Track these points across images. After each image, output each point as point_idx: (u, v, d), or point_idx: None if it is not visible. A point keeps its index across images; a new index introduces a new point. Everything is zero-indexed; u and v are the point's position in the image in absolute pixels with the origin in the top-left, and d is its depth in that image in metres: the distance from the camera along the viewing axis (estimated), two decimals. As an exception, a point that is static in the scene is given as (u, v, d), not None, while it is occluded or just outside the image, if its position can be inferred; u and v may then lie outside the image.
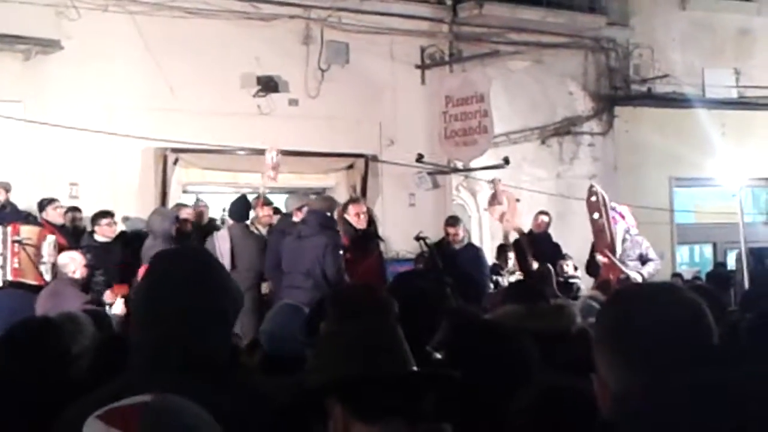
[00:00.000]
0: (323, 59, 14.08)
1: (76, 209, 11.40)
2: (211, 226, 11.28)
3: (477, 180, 15.54)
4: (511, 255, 12.62)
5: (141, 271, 9.11)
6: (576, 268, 12.52)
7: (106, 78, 12.42)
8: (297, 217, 10.12)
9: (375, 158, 14.44)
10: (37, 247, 9.83)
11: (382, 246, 10.66)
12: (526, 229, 13.15)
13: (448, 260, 10.68)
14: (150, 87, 12.75)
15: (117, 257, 9.90)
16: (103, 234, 10.32)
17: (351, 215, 10.06)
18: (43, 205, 10.84)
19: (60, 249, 9.82)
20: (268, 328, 4.86)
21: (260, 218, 10.62)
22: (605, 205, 12.17)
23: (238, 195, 11.23)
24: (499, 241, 13.65)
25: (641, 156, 16.92)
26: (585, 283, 12.60)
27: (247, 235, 10.24)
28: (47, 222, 10.46)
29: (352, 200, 10.96)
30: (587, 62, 17.01)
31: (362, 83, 14.35)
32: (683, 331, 2.16)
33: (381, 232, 11.36)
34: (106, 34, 12.40)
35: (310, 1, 13.92)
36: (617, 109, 17.17)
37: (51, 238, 9.95)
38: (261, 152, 12.02)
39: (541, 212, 13.47)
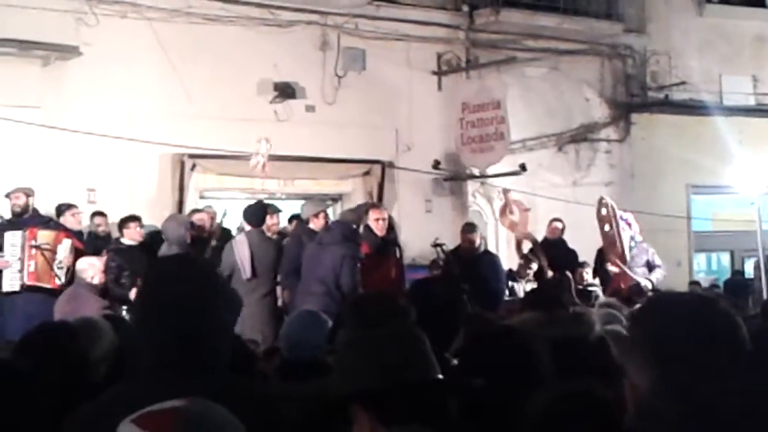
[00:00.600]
0: (340, 66, 14.11)
1: (101, 214, 11.45)
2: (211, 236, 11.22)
3: (493, 187, 15.52)
4: (533, 266, 12.56)
5: None
6: (594, 275, 12.52)
7: (124, 84, 12.48)
8: (314, 224, 10.14)
9: (391, 164, 14.45)
10: (54, 251, 9.90)
11: (399, 253, 10.64)
12: (540, 236, 13.16)
13: (465, 267, 10.67)
14: (168, 93, 12.80)
15: (143, 260, 9.95)
16: (131, 237, 10.42)
17: (371, 220, 10.08)
18: (61, 210, 10.90)
19: (77, 253, 9.87)
20: (288, 334, 4.86)
21: (269, 227, 10.66)
22: (615, 216, 12.33)
23: (255, 201, 11.25)
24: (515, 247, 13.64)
25: (658, 163, 16.86)
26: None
27: (265, 240, 10.26)
28: (65, 228, 10.51)
29: (373, 206, 10.99)
30: (604, 69, 16.98)
31: (379, 90, 14.37)
32: (718, 342, 2.17)
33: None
34: (124, 41, 12.47)
35: (327, 8, 13.96)
36: (634, 116, 17.12)
37: (67, 242, 10.01)
38: (278, 158, 12.06)
39: (555, 219, 13.49)
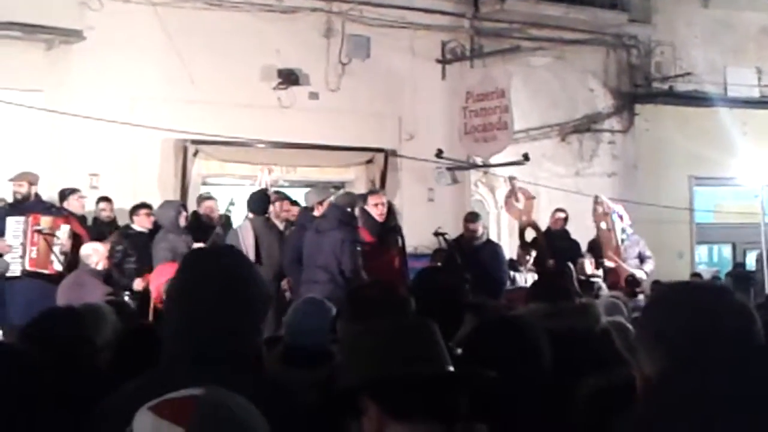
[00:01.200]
0: (344, 53, 14.07)
1: (107, 199, 11.43)
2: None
3: (496, 176, 15.50)
4: (533, 253, 12.60)
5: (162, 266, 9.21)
6: (598, 267, 12.55)
7: (127, 69, 12.45)
8: (318, 212, 10.12)
9: (394, 153, 14.43)
10: (53, 236, 9.89)
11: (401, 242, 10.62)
12: (542, 226, 13.16)
13: (467, 256, 10.67)
14: (171, 78, 12.76)
15: (148, 247, 9.95)
16: (141, 224, 10.39)
17: (370, 206, 10.04)
18: (65, 194, 10.87)
19: (76, 239, 9.86)
20: (291, 322, 4.85)
21: (278, 213, 10.61)
22: (609, 213, 12.55)
23: (258, 188, 11.23)
24: (517, 237, 13.63)
25: (661, 154, 16.83)
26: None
27: (269, 228, 10.24)
28: (69, 212, 10.50)
29: (372, 191, 10.96)
30: (608, 59, 16.93)
31: (383, 77, 14.34)
32: (732, 333, 2.16)
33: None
34: (128, 25, 12.42)
35: (331, -5, 13.93)
36: (638, 107, 17.09)
37: (65, 228, 9.98)
38: (281, 145, 12.04)
39: (558, 209, 13.48)
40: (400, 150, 14.48)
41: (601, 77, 16.81)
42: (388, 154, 14.32)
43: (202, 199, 11.61)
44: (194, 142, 12.88)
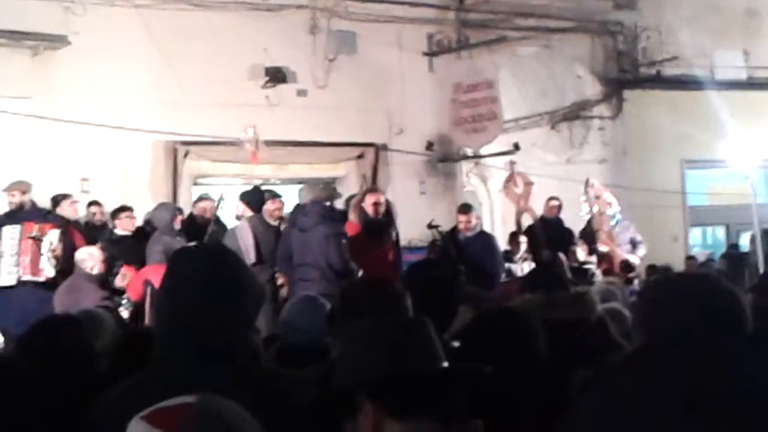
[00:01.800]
0: (330, 49, 14.05)
1: (97, 203, 11.41)
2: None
3: (488, 167, 15.51)
4: (523, 239, 12.63)
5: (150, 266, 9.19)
6: (591, 253, 12.57)
7: (114, 72, 12.41)
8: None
9: (385, 147, 14.42)
10: (40, 240, 9.85)
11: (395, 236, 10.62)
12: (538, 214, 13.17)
13: (461, 248, 10.68)
14: (158, 80, 12.73)
15: (136, 250, 9.92)
16: (123, 227, 10.39)
17: (368, 204, 10.06)
18: (57, 200, 10.82)
19: (72, 243, 9.82)
20: (287, 320, 4.86)
21: (271, 212, 10.58)
22: (600, 196, 12.54)
23: (251, 186, 11.21)
24: (511, 227, 13.64)
25: (652, 139, 16.86)
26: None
27: (266, 226, 10.22)
28: (62, 217, 10.47)
29: (370, 190, 10.98)
30: (595, 46, 16.94)
31: (370, 72, 14.32)
32: (722, 326, 2.18)
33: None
34: (113, 29, 12.39)
35: (316, -9, 13.91)
36: (626, 93, 17.09)
37: (54, 232, 9.89)
38: (271, 143, 12.03)
39: (552, 198, 13.49)
40: (391, 144, 14.48)
41: (589, 64, 16.82)
42: (379, 149, 14.32)
43: (200, 199, 11.61)
44: (184, 143, 12.86)
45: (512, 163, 13.58)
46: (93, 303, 7.69)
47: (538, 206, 13.56)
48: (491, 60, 14.80)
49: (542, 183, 14.77)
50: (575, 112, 16.68)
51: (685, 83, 17.06)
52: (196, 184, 13.38)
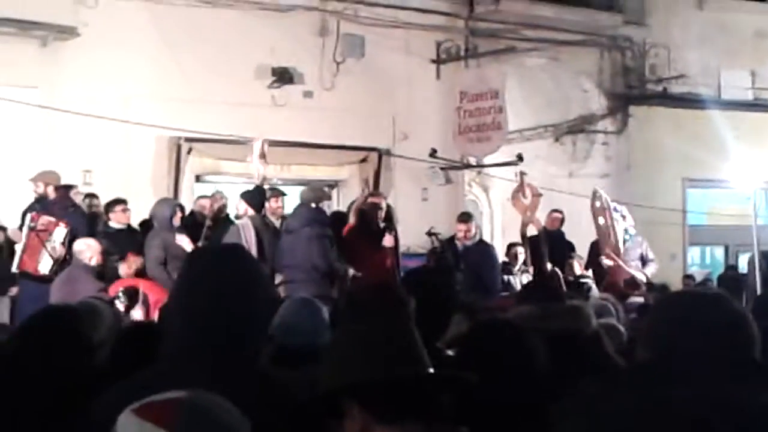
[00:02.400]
0: (339, 52, 14.07)
1: (93, 195, 11.41)
2: (227, 220, 11.19)
3: (490, 176, 15.52)
4: (521, 250, 12.59)
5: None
6: (587, 268, 12.52)
7: (121, 66, 12.44)
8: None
9: (388, 152, 14.43)
10: (48, 232, 9.72)
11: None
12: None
13: (459, 257, 10.69)
14: (165, 76, 12.76)
15: (131, 243, 9.89)
16: (118, 220, 10.33)
17: (368, 208, 10.09)
18: (64, 190, 10.80)
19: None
20: (281, 321, 4.86)
21: (274, 210, 10.57)
22: (609, 208, 12.36)
23: (252, 185, 11.21)
24: (511, 237, 13.62)
25: (655, 156, 16.86)
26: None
27: (267, 226, 10.21)
28: (84, 213, 10.43)
29: (372, 194, 11.01)
30: (603, 60, 16.96)
31: (377, 77, 14.34)
32: (722, 341, 2.19)
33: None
34: (122, 23, 12.42)
35: (326, -7, 13.93)
36: (632, 109, 17.11)
37: (62, 231, 9.69)
38: (274, 143, 12.02)
39: (554, 210, 13.47)
40: (394, 149, 14.49)
41: (596, 78, 16.84)
42: (382, 154, 14.33)
43: (198, 198, 11.61)
44: (188, 139, 12.87)
45: (522, 173, 13.48)
46: (90, 294, 7.66)
47: (540, 218, 13.54)
48: (498, 70, 14.82)
49: (544, 195, 14.77)
50: (580, 126, 16.69)
51: (691, 101, 17.07)
52: (198, 181, 13.39)
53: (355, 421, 2.07)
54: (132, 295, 7.93)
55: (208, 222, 10.46)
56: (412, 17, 14.56)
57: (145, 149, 12.77)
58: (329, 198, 10.14)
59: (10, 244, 10.05)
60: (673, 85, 17.26)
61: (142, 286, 8.33)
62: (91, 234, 9.75)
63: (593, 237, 12.87)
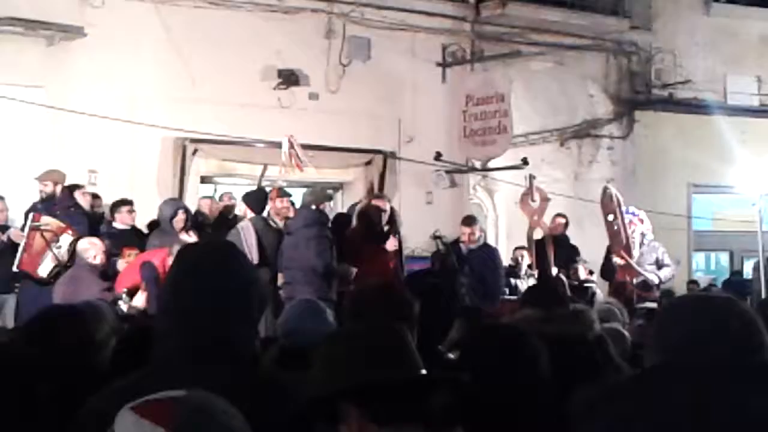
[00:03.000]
0: (345, 54, 14.08)
1: (95, 196, 11.41)
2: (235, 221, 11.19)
3: (495, 180, 15.51)
4: (524, 254, 12.58)
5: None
6: (591, 272, 12.49)
7: (127, 66, 12.45)
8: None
9: (393, 155, 14.43)
10: (54, 233, 9.68)
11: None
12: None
13: (463, 260, 10.69)
14: (171, 77, 12.77)
15: (134, 244, 9.89)
16: (123, 221, 10.34)
17: (372, 211, 10.10)
18: (70, 190, 10.81)
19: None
20: (285, 323, 4.87)
21: (279, 210, 10.57)
22: (619, 206, 12.21)
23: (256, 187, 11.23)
24: (515, 241, 13.61)
25: (660, 161, 16.85)
26: (600, 287, 12.58)
27: (269, 228, 10.22)
28: (86, 213, 10.43)
29: (375, 197, 11.02)
30: (609, 65, 16.95)
31: (383, 79, 14.34)
32: (736, 345, 2.19)
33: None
34: (129, 23, 12.43)
35: (333, -4, 13.94)
36: (637, 114, 17.10)
37: (67, 238, 9.60)
38: (280, 145, 12.05)
39: (558, 215, 13.47)
40: (399, 152, 14.49)
41: (601, 83, 16.83)
42: (387, 156, 14.32)
43: (202, 199, 11.62)
44: (193, 140, 12.88)
45: (532, 177, 13.45)
46: (94, 294, 7.67)
47: (546, 222, 13.53)
48: (504, 73, 14.82)
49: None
50: (585, 130, 16.68)
51: (697, 107, 17.05)
52: (203, 182, 13.40)
53: (352, 425, 2.07)
54: (134, 296, 7.95)
55: (207, 222, 10.48)
56: (419, 20, 14.56)
57: (150, 150, 12.78)
58: (330, 200, 10.14)
59: (15, 243, 10.06)
60: (679, 91, 17.25)
61: (145, 257, 8.37)
62: (92, 234, 9.73)
63: (599, 241, 12.81)
